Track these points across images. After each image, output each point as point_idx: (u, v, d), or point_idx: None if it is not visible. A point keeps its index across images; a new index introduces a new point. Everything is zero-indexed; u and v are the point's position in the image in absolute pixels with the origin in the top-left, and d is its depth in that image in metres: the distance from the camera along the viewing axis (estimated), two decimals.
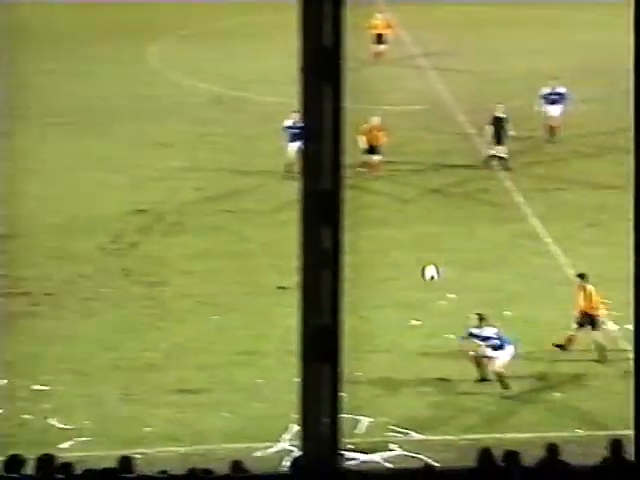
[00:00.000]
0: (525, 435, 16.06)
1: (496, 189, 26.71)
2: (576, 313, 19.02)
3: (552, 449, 11.22)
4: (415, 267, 22.51)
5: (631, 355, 18.63)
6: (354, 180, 26.24)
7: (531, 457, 11.41)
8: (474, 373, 17.97)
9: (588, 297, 18.99)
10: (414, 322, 20.12)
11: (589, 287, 19.06)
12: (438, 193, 26.59)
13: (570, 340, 18.88)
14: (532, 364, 18.44)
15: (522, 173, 27.44)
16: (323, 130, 9.61)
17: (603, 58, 36.97)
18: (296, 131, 26.53)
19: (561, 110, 29.14)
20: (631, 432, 16.12)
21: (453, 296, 21.08)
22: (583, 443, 15.65)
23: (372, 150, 27.05)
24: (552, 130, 29.24)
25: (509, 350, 17.86)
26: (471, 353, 17.91)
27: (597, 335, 18.87)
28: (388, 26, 37.08)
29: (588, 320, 18.93)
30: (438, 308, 20.67)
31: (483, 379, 17.90)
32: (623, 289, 20.63)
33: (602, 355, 18.79)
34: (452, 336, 19.47)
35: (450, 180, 27.31)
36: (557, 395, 17.70)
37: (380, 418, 16.93)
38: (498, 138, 27.48)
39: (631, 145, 28.56)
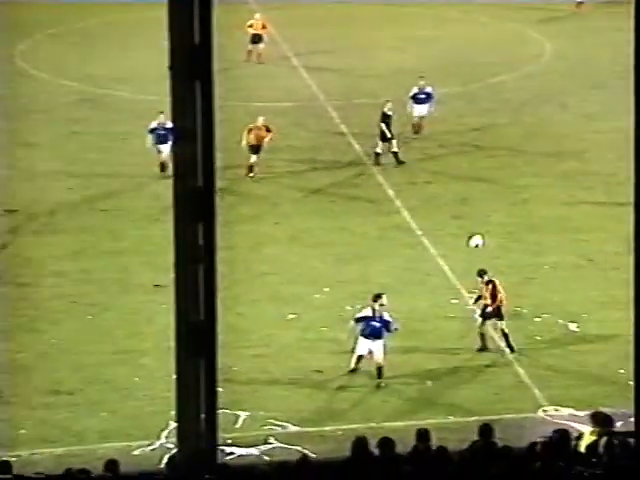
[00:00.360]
0: (400, 423, 16.40)
1: (368, 184, 27.12)
2: (480, 307, 19.07)
3: (424, 436, 11.52)
4: (291, 262, 22.79)
5: (502, 344, 19.24)
6: (229, 177, 26.31)
7: (405, 445, 11.72)
8: (349, 365, 18.25)
9: (496, 291, 19.04)
10: (290, 316, 20.33)
11: (495, 281, 19.17)
12: (311, 188, 26.85)
13: (483, 337, 19.07)
14: (406, 354, 18.81)
15: (392, 168, 27.89)
16: (194, 128, 9.69)
17: (468, 53, 37.80)
18: (162, 132, 26.48)
19: (429, 108, 29.73)
20: (498, 417, 16.70)
21: (328, 289, 21.36)
22: (455, 429, 16.08)
23: (257, 149, 27.06)
24: (420, 127, 29.80)
25: (383, 340, 18.16)
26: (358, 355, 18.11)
27: (503, 324, 19.03)
28: (264, 26, 37.28)
29: (495, 313, 18.99)
30: (314, 302, 20.93)
31: (354, 369, 18.16)
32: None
33: (509, 343, 18.95)
34: (327, 329, 19.78)
35: (323, 176, 27.60)
36: (429, 384, 18.11)
37: (258, 412, 17.08)
38: (386, 135, 27.83)
39: (496, 142, 28.70)
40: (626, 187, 30.19)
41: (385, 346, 18.20)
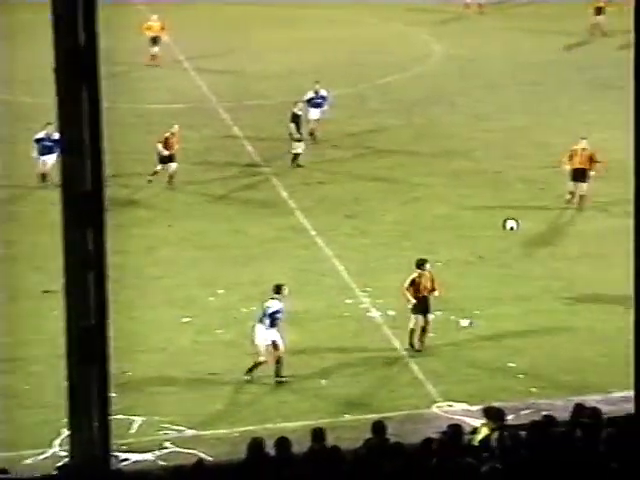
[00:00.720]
0: (296, 423, 16.43)
1: (262, 186, 27.13)
2: (412, 301, 18.93)
3: (319, 435, 11.56)
4: (185, 265, 22.64)
5: (396, 343, 19.41)
6: (120, 181, 26.02)
7: (302, 445, 11.75)
8: (244, 366, 18.21)
9: (434, 282, 18.97)
10: (185, 319, 20.21)
11: (431, 272, 19.05)
12: (205, 191, 26.71)
13: (413, 332, 19.02)
14: (301, 354, 18.83)
15: (287, 170, 27.94)
16: (81, 132, 9.56)
17: (358, 54, 38.08)
18: (48, 144, 25.92)
19: (324, 111, 29.80)
20: (394, 414, 16.88)
21: (222, 292, 21.30)
22: (351, 427, 16.17)
23: (170, 158, 26.67)
24: (314, 131, 29.77)
25: (277, 331, 18.23)
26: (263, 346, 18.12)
27: (430, 318, 19.08)
28: (162, 28, 37.00)
29: (423, 307, 18.94)
30: (208, 304, 20.84)
31: (251, 371, 18.14)
32: (383, 277, 21.56)
33: (423, 340, 19.01)
34: (222, 331, 19.72)
35: (216, 178, 27.49)
36: (324, 383, 18.18)
37: (153, 417, 16.93)
38: (293, 135, 27.86)
39: (385, 145, 28.69)
40: (514, 185, 30.92)
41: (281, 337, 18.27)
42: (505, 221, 21.18)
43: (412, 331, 19.06)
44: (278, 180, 27.31)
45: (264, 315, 18.15)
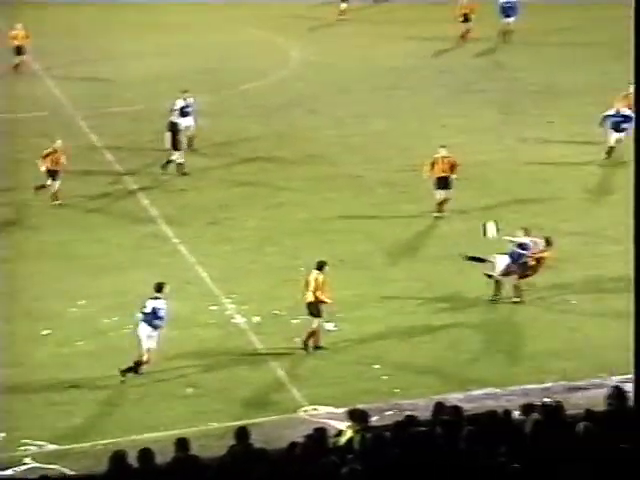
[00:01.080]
0: (161, 434, 16.26)
1: (122, 194, 26.76)
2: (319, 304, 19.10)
3: (182, 445, 11.47)
4: (44, 276, 22.13)
5: (259, 346, 19.43)
6: None
7: (165, 455, 11.63)
8: (107, 377, 17.94)
9: (320, 286, 19.09)
10: (45, 332, 19.79)
11: (320, 276, 19.17)
12: (65, 201, 26.16)
13: (311, 335, 19.08)
14: (165, 362, 18.65)
15: (147, 178, 27.62)
16: None
17: (218, 60, 37.96)
18: None
19: (194, 120, 29.44)
20: (262, 419, 16.89)
21: (83, 302, 20.93)
22: (217, 435, 16.10)
23: (55, 174, 25.94)
24: (190, 140, 29.32)
25: (156, 331, 18.20)
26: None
27: (320, 322, 19.21)
28: (27, 37, 36.12)
29: (316, 310, 19.12)
30: (69, 315, 20.46)
31: (130, 371, 18.02)
32: (246, 283, 21.45)
33: (317, 341, 19.17)
34: (83, 343, 19.39)
35: (76, 187, 26.97)
36: (190, 391, 18.05)
37: (13, 432, 16.52)
38: (175, 144, 27.49)
39: (250, 152, 28.48)
40: (375, 189, 31.24)
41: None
42: (484, 228, 21.43)
43: (311, 334, 19.23)
44: (139, 189, 26.97)
45: (147, 314, 18.20)
